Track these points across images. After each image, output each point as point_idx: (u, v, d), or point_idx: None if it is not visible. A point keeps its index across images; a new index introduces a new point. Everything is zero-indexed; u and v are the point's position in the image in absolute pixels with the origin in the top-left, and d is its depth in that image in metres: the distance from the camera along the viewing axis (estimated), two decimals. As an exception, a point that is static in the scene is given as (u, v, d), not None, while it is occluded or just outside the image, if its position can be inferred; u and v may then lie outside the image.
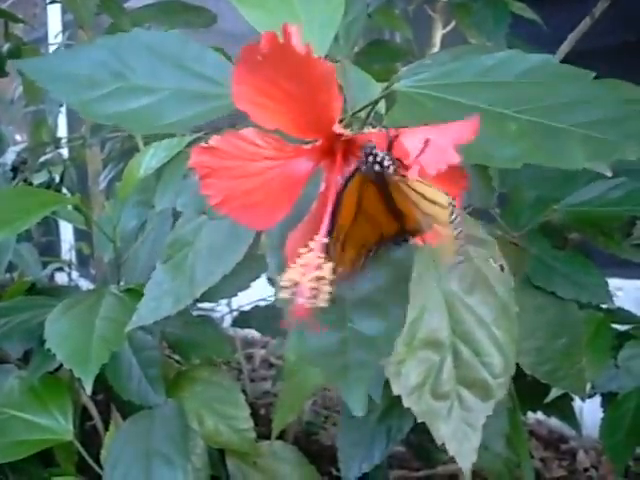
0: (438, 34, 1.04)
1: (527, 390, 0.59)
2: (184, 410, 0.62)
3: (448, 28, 1.03)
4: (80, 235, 1.85)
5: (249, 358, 1.61)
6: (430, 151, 0.25)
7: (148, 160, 0.67)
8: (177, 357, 0.74)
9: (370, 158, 0.28)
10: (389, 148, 0.28)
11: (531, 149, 0.30)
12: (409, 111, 0.34)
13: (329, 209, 0.29)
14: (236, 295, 0.89)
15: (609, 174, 0.31)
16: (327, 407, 1.32)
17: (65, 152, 1.13)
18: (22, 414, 0.64)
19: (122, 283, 0.70)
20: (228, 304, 1.26)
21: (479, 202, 0.40)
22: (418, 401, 0.38)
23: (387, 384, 0.66)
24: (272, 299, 0.98)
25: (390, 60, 0.92)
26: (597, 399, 0.66)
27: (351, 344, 0.34)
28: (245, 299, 1.07)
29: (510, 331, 0.38)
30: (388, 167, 0.28)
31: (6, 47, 0.84)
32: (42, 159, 1.01)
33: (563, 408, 0.67)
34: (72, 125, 1.65)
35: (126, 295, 0.63)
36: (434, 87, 0.35)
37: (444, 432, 0.37)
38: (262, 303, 0.98)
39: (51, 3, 0.94)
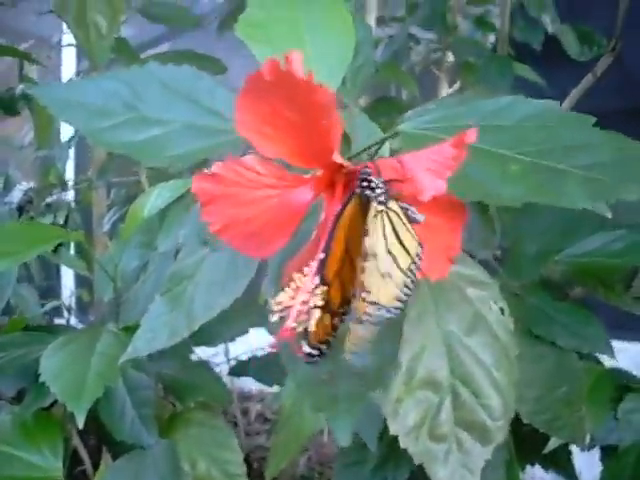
0: (444, 92, 1.06)
1: (525, 443, 0.58)
2: (176, 451, 0.61)
3: (454, 87, 1.06)
4: (81, 282, 1.85)
5: (245, 412, 1.58)
6: (424, 176, 0.25)
7: (153, 201, 0.67)
8: (172, 399, 0.73)
9: (364, 183, 0.28)
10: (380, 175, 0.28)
11: (532, 188, 0.30)
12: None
13: (326, 236, 0.29)
14: (234, 340, 0.89)
15: (609, 215, 0.31)
16: (322, 463, 1.29)
17: (71, 195, 1.14)
18: (12, 450, 0.63)
19: (120, 323, 0.70)
20: (225, 354, 1.25)
21: (480, 245, 0.40)
22: (415, 442, 0.37)
23: (382, 435, 0.65)
24: (269, 349, 0.97)
25: (396, 115, 0.94)
26: (594, 454, 0.65)
27: (341, 376, 0.33)
28: (242, 348, 1.06)
29: (510, 374, 0.38)
30: (380, 194, 0.28)
31: (19, 88, 0.86)
32: (48, 200, 1.02)
33: (561, 462, 0.65)
34: (79, 168, 1.67)
35: (123, 333, 0.62)
36: (438, 129, 0.36)
37: (442, 475, 0.37)
38: (259, 353, 0.97)
39: (67, 46, 0.96)
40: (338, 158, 0.29)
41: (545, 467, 0.66)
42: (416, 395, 0.38)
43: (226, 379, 1.24)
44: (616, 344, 1.19)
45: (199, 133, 0.41)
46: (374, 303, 0.27)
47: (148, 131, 0.40)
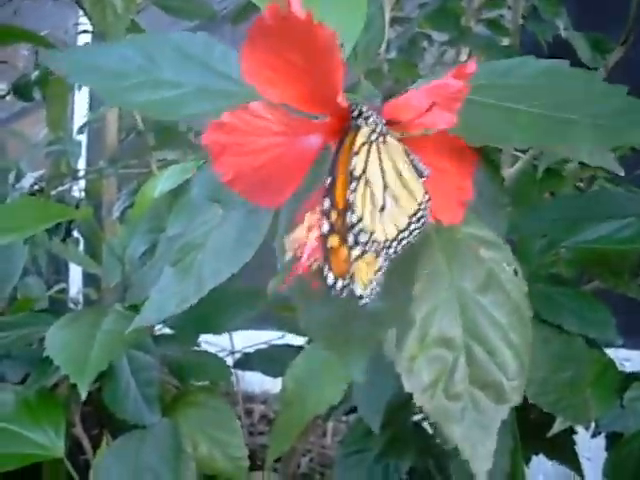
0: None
1: (530, 431, 0.57)
2: (178, 430, 0.61)
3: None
4: (89, 280, 1.86)
5: (249, 413, 1.58)
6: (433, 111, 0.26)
7: (162, 183, 0.68)
8: (176, 383, 0.73)
9: (355, 112, 0.28)
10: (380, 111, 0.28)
11: (539, 134, 0.31)
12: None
13: (328, 175, 0.29)
14: (237, 330, 0.89)
15: (621, 172, 0.31)
16: (324, 465, 1.29)
17: (81, 185, 1.15)
18: (14, 427, 0.63)
19: (127, 303, 0.70)
20: (231, 350, 1.25)
21: (490, 204, 0.39)
22: (431, 400, 0.36)
23: (385, 425, 0.65)
24: (275, 342, 0.98)
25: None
26: (599, 450, 0.64)
27: (353, 318, 0.33)
28: (248, 342, 1.06)
29: (525, 334, 0.37)
30: (374, 122, 0.28)
31: (34, 75, 0.87)
32: (59, 189, 1.03)
33: (565, 450, 0.65)
34: (91, 159, 1.68)
35: (129, 311, 0.62)
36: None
37: (457, 434, 0.36)
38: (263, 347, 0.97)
39: (82, 33, 0.98)
40: (343, 101, 0.29)
41: (549, 456, 0.65)
42: (430, 353, 0.37)
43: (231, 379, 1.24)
44: (623, 353, 1.18)
45: (212, 96, 0.41)
46: (363, 230, 0.27)
47: (162, 92, 0.41)
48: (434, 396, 0.35)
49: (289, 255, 0.28)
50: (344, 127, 0.30)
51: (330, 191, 0.28)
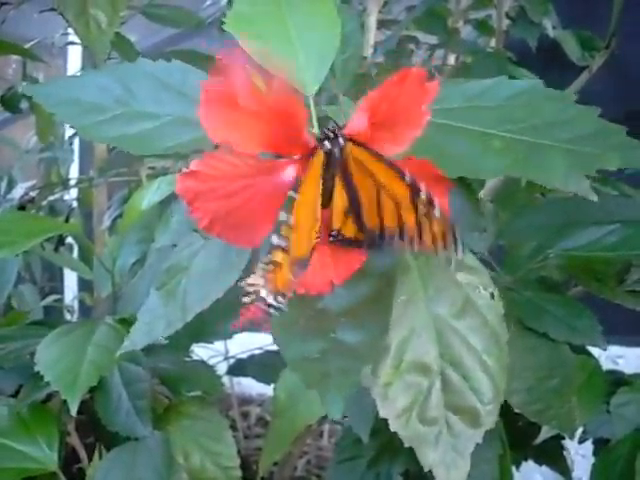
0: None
1: (518, 437, 0.58)
2: (170, 442, 0.61)
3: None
4: (84, 285, 1.86)
5: (245, 415, 1.59)
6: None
7: (152, 193, 0.68)
8: (168, 394, 0.74)
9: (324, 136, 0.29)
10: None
11: (514, 162, 0.31)
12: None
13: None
14: (231, 337, 0.89)
15: (594, 198, 0.32)
16: (321, 467, 1.29)
17: (73, 194, 1.15)
18: (7, 441, 0.63)
19: (117, 316, 0.70)
20: (225, 355, 1.25)
21: (468, 228, 0.40)
22: (406, 426, 0.37)
23: (377, 431, 0.65)
24: (268, 347, 0.98)
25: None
26: (588, 453, 0.65)
27: (332, 353, 0.34)
28: (240, 348, 1.06)
29: (500, 359, 0.37)
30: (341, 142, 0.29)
31: (23, 86, 0.87)
32: (50, 198, 1.03)
33: (554, 455, 0.65)
34: (82, 168, 1.68)
35: (120, 324, 0.63)
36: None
37: (432, 458, 0.36)
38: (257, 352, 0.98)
39: (70, 44, 0.97)
40: (310, 138, 0.29)
41: (538, 462, 0.66)
42: (405, 379, 0.37)
43: (226, 384, 1.25)
44: (616, 350, 1.19)
45: (190, 125, 0.41)
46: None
47: (140, 125, 0.41)
48: (409, 421, 0.36)
49: (247, 299, 0.28)
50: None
51: (289, 206, 0.29)
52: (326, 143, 0.30)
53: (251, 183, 0.30)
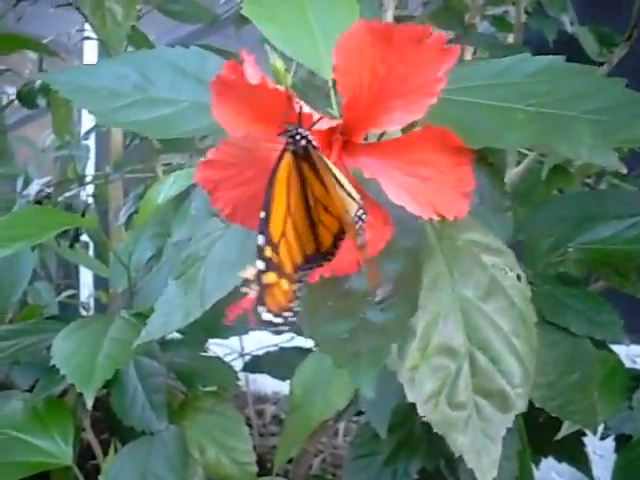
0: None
1: (539, 434, 0.57)
2: (185, 436, 0.61)
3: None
4: (99, 283, 1.86)
5: (260, 414, 1.58)
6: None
7: (167, 188, 0.68)
8: (183, 389, 0.73)
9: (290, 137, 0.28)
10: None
11: (538, 132, 0.30)
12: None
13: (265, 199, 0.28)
14: (247, 333, 0.89)
15: (623, 170, 0.31)
16: (336, 465, 1.28)
17: (89, 191, 1.15)
18: (23, 435, 0.63)
19: (133, 310, 0.70)
20: (241, 352, 1.25)
21: (492, 208, 0.39)
22: (434, 410, 0.36)
23: (394, 427, 0.65)
24: (284, 344, 0.98)
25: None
26: (611, 448, 0.64)
27: (362, 332, 0.33)
28: (256, 345, 1.06)
29: (529, 341, 0.36)
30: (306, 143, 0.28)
31: (39, 82, 0.87)
32: (66, 195, 1.03)
33: (575, 452, 0.64)
34: (98, 165, 1.68)
35: (136, 318, 0.63)
36: (446, 90, 0.36)
37: (462, 443, 0.35)
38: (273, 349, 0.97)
39: (85, 39, 0.98)
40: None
41: (559, 458, 0.65)
42: (432, 362, 0.36)
43: (241, 382, 1.24)
44: (636, 349, 1.17)
45: (208, 111, 0.41)
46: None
47: (158, 110, 0.41)
48: (437, 406, 0.35)
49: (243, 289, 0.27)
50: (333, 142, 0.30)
51: (264, 226, 0.27)
52: (290, 142, 0.29)
53: (267, 167, 0.30)
